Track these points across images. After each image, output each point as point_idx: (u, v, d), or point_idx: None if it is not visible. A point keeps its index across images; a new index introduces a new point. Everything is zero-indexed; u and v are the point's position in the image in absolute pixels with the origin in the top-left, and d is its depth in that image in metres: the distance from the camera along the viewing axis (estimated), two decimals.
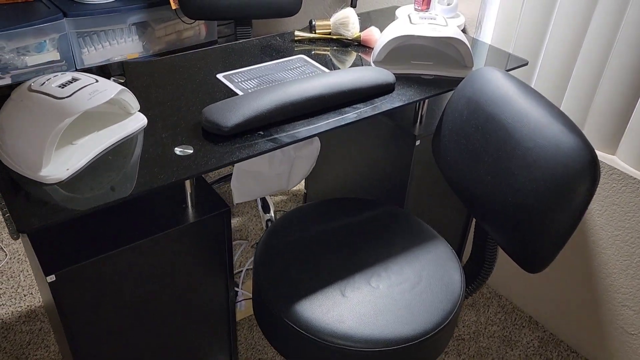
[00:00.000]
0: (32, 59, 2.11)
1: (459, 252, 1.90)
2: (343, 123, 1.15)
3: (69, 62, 2.20)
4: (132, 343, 1.16)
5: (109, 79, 1.27)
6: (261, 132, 1.11)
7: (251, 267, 1.95)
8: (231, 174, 1.72)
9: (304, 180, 2.32)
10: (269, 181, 1.46)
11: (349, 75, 1.23)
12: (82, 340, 1.06)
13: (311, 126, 1.13)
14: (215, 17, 2.05)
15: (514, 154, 1.08)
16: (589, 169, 0.97)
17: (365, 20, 1.68)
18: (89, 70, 1.30)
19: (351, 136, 1.64)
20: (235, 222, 2.17)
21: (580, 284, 1.67)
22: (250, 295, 1.81)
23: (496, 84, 1.17)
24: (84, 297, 1.02)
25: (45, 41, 2.12)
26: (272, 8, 2.08)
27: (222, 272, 1.21)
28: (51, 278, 0.94)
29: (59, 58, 2.18)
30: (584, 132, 1.52)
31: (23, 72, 2.11)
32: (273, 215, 1.99)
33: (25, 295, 1.85)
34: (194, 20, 2.42)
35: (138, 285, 1.09)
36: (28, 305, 1.81)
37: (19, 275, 1.92)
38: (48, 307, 1.40)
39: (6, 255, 1.99)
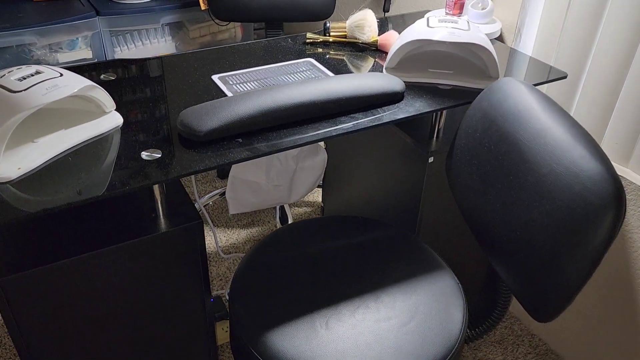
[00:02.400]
0: (64, 56, 2.12)
1: (471, 290, 1.71)
2: (334, 134, 1.03)
3: (101, 60, 2.19)
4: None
5: (99, 76, 1.21)
6: (240, 140, 1.00)
7: None
8: None
9: (320, 192, 2.19)
10: (267, 193, 1.35)
11: (350, 82, 1.10)
12: (34, 356, 0.99)
13: (298, 136, 1.02)
14: (245, 18, 1.98)
15: (526, 182, 0.91)
16: (611, 203, 0.79)
17: (399, 24, 1.55)
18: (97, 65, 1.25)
19: (367, 149, 1.51)
20: (250, 232, 2.08)
21: (630, 326, 1.44)
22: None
23: (515, 98, 1.01)
24: (34, 308, 0.94)
25: (77, 38, 2.12)
26: (303, 10, 1.99)
27: (196, 287, 1.11)
28: None
29: (91, 56, 2.17)
30: (630, 161, 1.31)
31: None
32: None
33: None
34: (227, 22, 2.37)
35: (99, 299, 1.00)
36: None
37: None
38: None
39: None
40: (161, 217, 1.03)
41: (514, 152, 0.95)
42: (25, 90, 0.88)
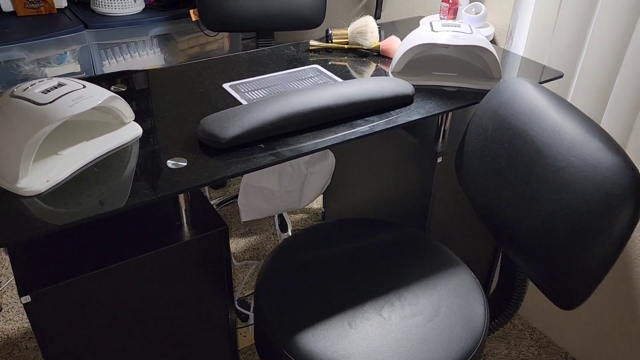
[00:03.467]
0: (53, 71, 2.09)
1: (486, 283, 1.75)
2: (353, 137, 1.05)
3: (89, 74, 2.17)
4: None
5: (109, 88, 1.21)
6: (262, 145, 1.02)
7: None
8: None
9: (321, 198, 2.22)
10: (278, 199, 1.36)
11: (362, 86, 1.13)
12: None
13: (318, 140, 1.04)
14: (237, 28, 1.99)
15: (544, 175, 0.95)
16: (631, 193, 0.83)
17: (390, 31, 1.59)
18: (94, 79, 1.24)
19: (370, 152, 1.54)
20: (250, 240, 2.08)
21: (627, 316, 1.50)
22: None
23: (525, 96, 1.05)
24: (64, 320, 0.94)
25: (66, 53, 2.10)
26: (295, 20, 2.01)
27: (220, 295, 1.11)
28: (26, 299, 0.86)
29: (80, 70, 2.15)
30: (627, 152, 1.37)
31: None
32: (291, 234, 1.89)
33: None
34: (216, 33, 2.38)
35: (126, 309, 1.00)
36: None
37: None
38: None
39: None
40: (185, 225, 1.04)
41: (529, 148, 0.99)
42: (51, 102, 0.87)
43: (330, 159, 1.38)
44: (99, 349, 1.01)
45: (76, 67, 2.15)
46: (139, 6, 2.23)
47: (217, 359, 1.20)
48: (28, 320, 1.75)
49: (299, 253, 1.18)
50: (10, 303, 1.82)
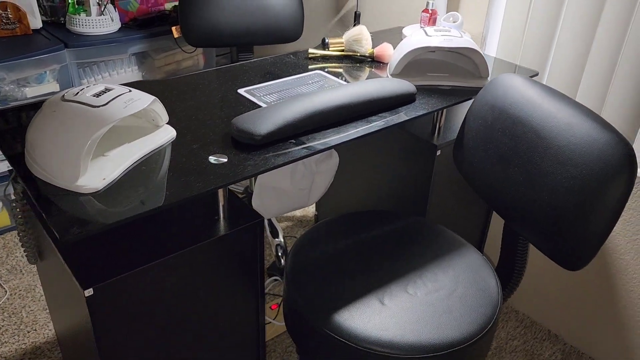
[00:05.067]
0: (32, 91, 2.09)
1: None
2: (373, 130, 1.15)
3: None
4: None
5: None
6: (293, 141, 1.10)
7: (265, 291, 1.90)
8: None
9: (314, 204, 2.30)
10: (290, 197, 1.44)
11: (373, 85, 1.24)
12: (114, 358, 1.01)
13: (342, 134, 1.13)
14: (218, 43, 2.06)
15: (546, 154, 1.08)
16: (627, 162, 0.97)
17: (373, 41, 1.71)
18: None
19: (369, 151, 1.64)
20: None
21: (600, 293, 1.66)
22: (269, 319, 1.77)
23: (519, 89, 1.19)
24: (118, 313, 0.97)
25: (45, 72, 2.10)
26: (274, 34, 2.10)
27: (253, 284, 1.17)
28: (89, 292, 0.90)
29: (58, 89, 2.15)
30: None
31: (22, 104, 2.07)
32: (282, 240, 1.96)
33: (28, 332, 1.77)
34: (194, 50, 2.44)
35: (170, 301, 1.05)
36: (32, 342, 1.73)
37: (21, 312, 1.84)
38: (65, 336, 1.33)
39: (6, 292, 1.91)
40: (222, 219, 1.10)
41: (530, 132, 1.12)
42: (106, 104, 0.93)
43: (335, 159, 1.48)
44: (145, 340, 1.05)
45: (55, 87, 2.15)
46: (115, 25, 2.26)
47: (247, 347, 1.25)
48: (25, 342, 1.72)
49: (318, 245, 1.26)
50: (4, 326, 1.78)
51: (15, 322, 1.80)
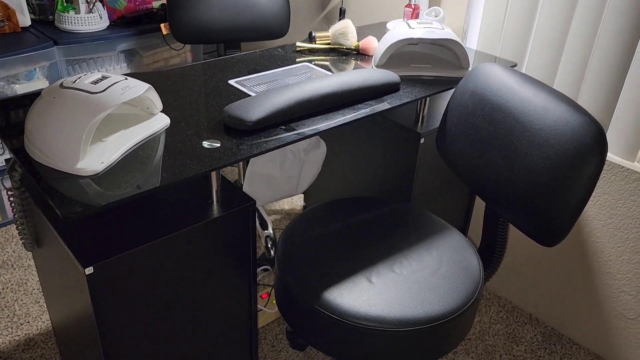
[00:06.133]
0: (22, 88, 2.11)
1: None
2: (359, 117, 1.20)
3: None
4: (157, 343, 1.14)
5: None
6: (283, 127, 1.15)
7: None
8: None
9: (302, 195, 2.35)
10: (280, 185, 1.48)
11: (359, 75, 1.29)
12: (113, 339, 1.05)
13: (330, 121, 1.18)
14: (206, 40, 2.10)
15: (524, 137, 1.14)
16: (598, 142, 1.04)
17: (358, 35, 1.76)
18: None
19: (353, 141, 1.70)
20: None
21: (577, 276, 1.73)
22: (260, 307, 1.81)
23: (498, 77, 1.25)
24: (117, 293, 1.01)
25: (35, 69, 2.12)
26: (262, 31, 2.15)
27: (246, 266, 1.22)
28: (89, 270, 0.94)
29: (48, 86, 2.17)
30: None
31: (18, 96, 2.09)
32: (272, 232, 2.00)
33: (21, 324, 1.79)
34: (182, 47, 2.47)
35: (166, 282, 1.09)
36: (26, 334, 1.76)
37: (14, 305, 1.86)
38: (61, 325, 1.37)
39: None
40: (215, 203, 1.14)
41: (508, 117, 1.18)
42: (104, 91, 0.97)
43: (322, 148, 1.53)
44: (142, 320, 1.09)
45: (45, 84, 2.17)
46: (104, 23, 2.29)
47: (239, 329, 1.29)
48: (18, 334, 1.75)
49: (308, 229, 1.31)
50: None
51: (8, 315, 1.82)
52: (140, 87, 1.01)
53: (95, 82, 0.99)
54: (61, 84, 0.99)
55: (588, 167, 1.05)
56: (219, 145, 1.07)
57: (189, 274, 1.12)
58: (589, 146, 1.04)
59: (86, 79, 0.99)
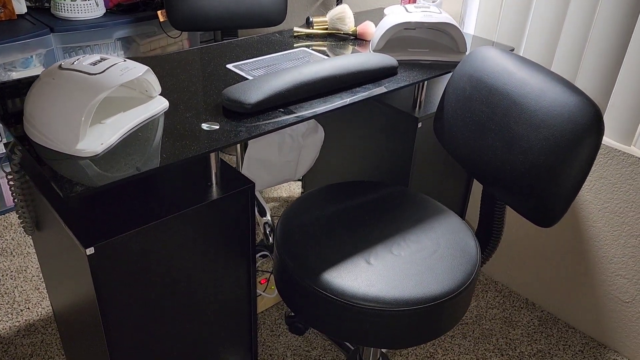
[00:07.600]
0: (19, 75, 2.10)
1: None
2: (357, 100, 1.21)
3: None
4: (157, 325, 1.15)
5: None
6: (282, 110, 1.15)
7: None
8: None
9: (300, 183, 2.35)
10: (278, 169, 1.49)
11: (357, 58, 1.29)
12: (114, 321, 1.06)
13: (328, 104, 1.18)
14: (203, 27, 2.10)
15: (521, 118, 1.15)
16: (595, 122, 1.05)
17: (355, 20, 1.76)
18: None
19: (351, 126, 1.70)
20: None
21: (573, 261, 1.75)
22: (259, 291, 1.82)
23: (495, 60, 1.25)
24: (118, 274, 1.02)
25: (32, 57, 2.11)
26: (259, 18, 2.15)
27: (245, 251, 1.23)
28: (90, 250, 0.95)
29: None
30: None
31: (16, 80, 2.09)
32: (270, 218, 2.01)
33: (22, 310, 1.80)
34: (179, 34, 2.47)
35: (166, 263, 1.09)
36: (26, 320, 1.77)
37: (13, 292, 1.87)
38: (63, 309, 1.37)
39: None
40: (214, 185, 1.15)
41: (505, 100, 1.19)
42: (103, 72, 0.97)
43: (320, 133, 1.53)
44: (143, 302, 1.10)
45: (41, 71, 2.16)
46: (101, 10, 2.28)
47: (240, 312, 1.30)
48: (19, 320, 1.75)
49: (306, 212, 1.32)
50: None
51: (8, 302, 1.83)
52: (139, 69, 1.01)
53: (94, 64, 0.99)
54: (60, 66, 0.99)
55: (585, 148, 1.06)
56: (217, 127, 1.08)
57: (189, 255, 1.12)
58: (585, 126, 1.05)
59: (85, 61, 1.00)
